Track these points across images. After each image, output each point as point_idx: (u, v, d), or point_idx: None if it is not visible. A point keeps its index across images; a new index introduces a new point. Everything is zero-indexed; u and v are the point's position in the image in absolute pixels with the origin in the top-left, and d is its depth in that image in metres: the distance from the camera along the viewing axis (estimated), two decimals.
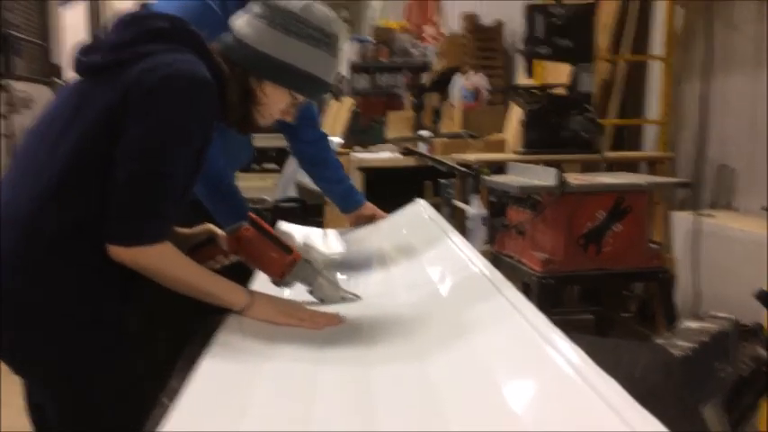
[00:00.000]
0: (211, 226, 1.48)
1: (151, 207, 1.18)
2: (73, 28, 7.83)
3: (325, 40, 1.36)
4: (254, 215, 1.44)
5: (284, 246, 1.42)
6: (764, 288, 1.96)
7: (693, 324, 1.31)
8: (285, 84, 1.35)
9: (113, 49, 1.23)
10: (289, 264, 1.40)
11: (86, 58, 1.26)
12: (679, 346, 1.18)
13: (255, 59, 1.32)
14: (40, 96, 6.18)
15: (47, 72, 7.04)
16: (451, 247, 1.61)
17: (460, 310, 1.23)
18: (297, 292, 1.45)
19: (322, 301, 1.44)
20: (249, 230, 1.40)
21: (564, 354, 0.87)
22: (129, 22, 1.27)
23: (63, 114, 1.24)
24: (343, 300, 1.45)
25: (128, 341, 1.26)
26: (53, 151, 1.21)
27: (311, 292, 1.45)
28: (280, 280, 1.42)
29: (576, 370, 0.82)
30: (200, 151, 1.26)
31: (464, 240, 1.64)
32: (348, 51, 7.70)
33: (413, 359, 1.05)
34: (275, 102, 1.37)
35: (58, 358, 1.21)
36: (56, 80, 6.61)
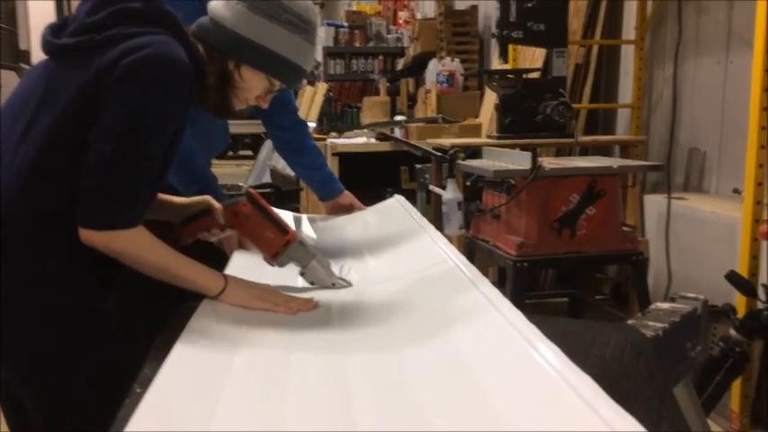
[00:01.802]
0: (209, 198, 1.46)
1: (124, 191, 1.16)
2: (41, 13, 7.66)
3: (304, 27, 1.34)
4: (253, 191, 1.43)
5: (281, 225, 1.40)
6: (735, 270, 2.00)
7: (664, 305, 1.33)
8: (264, 69, 1.34)
9: (86, 31, 1.20)
10: (284, 244, 1.39)
11: (57, 40, 1.23)
12: (650, 326, 1.19)
13: (234, 43, 1.30)
14: (9, 82, 6.07)
15: (14, 58, 6.90)
16: (428, 241, 1.61)
17: (435, 303, 1.23)
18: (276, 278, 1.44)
19: (312, 284, 1.43)
20: (247, 206, 1.38)
21: (539, 350, 0.88)
22: (100, 1, 1.23)
23: (34, 97, 1.21)
24: (334, 286, 1.44)
25: (105, 328, 1.24)
26: (25, 135, 1.18)
27: (303, 275, 1.44)
28: (273, 259, 1.41)
29: (550, 365, 0.83)
30: (174, 134, 1.24)
31: (441, 235, 1.63)
32: (322, 36, 7.65)
33: (387, 348, 1.05)
34: (252, 87, 1.36)
35: (35, 346, 1.19)
36: (23, 66, 6.48)
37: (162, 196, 1.39)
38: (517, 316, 1.01)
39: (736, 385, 2.07)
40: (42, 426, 1.27)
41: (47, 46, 1.25)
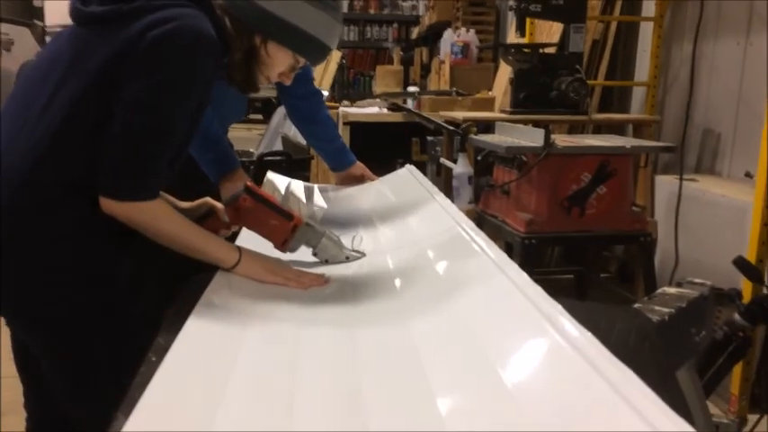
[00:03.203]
0: (210, 199, 1.48)
1: (146, 163, 1.18)
2: None
3: (331, 4, 1.34)
4: (251, 184, 1.44)
5: (284, 212, 1.41)
6: (744, 255, 2.00)
7: (671, 290, 1.34)
8: (291, 45, 1.34)
9: (115, 0, 1.21)
10: (291, 229, 1.40)
11: (85, 7, 1.23)
12: (657, 311, 1.21)
13: (263, 19, 1.30)
14: (22, 39, 6.04)
15: (28, 14, 6.87)
16: (438, 209, 1.62)
17: (446, 273, 1.25)
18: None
19: (327, 261, 1.45)
20: (247, 200, 1.39)
21: (548, 315, 0.89)
22: None
23: (60, 64, 1.22)
24: (348, 259, 1.45)
25: (123, 296, 1.27)
26: (49, 103, 1.19)
27: (315, 254, 1.45)
28: (283, 247, 1.42)
29: (559, 331, 0.84)
30: (198, 109, 1.25)
31: (450, 203, 1.64)
32: None
33: (397, 320, 1.07)
34: (278, 63, 1.36)
35: (55, 313, 1.21)
36: (37, 22, 6.45)
37: (167, 199, 1.40)
38: (525, 280, 1.02)
39: (737, 369, 2.10)
40: (56, 386, 1.31)
41: (75, 13, 1.25)
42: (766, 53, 2.80)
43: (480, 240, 1.27)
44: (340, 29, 1.41)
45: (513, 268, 1.08)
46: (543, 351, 0.84)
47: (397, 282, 1.28)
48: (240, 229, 1.53)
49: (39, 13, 6.84)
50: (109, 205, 1.18)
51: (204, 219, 1.43)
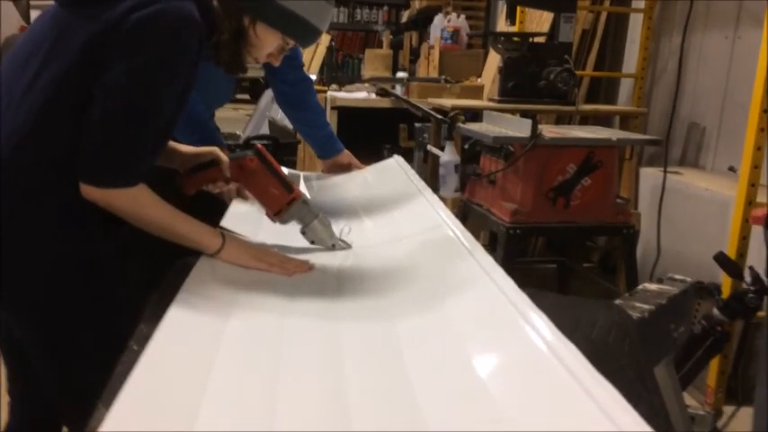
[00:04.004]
0: (217, 150, 1.47)
1: (127, 149, 1.16)
2: None
3: None
4: (261, 147, 1.43)
5: (286, 183, 1.41)
6: (725, 249, 2.02)
7: (652, 286, 1.36)
8: (280, 27, 1.32)
9: None
10: (288, 201, 1.40)
11: None
12: (637, 307, 1.22)
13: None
14: (6, 13, 5.94)
15: None
16: (425, 204, 1.62)
17: (430, 270, 1.25)
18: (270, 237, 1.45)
19: (313, 242, 1.45)
20: (254, 161, 1.38)
21: (529, 319, 0.90)
22: None
23: (43, 45, 1.20)
24: (334, 247, 1.46)
25: (108, 281, 1.26)
26: (32, 85, 1.17)
27: (304, 233, 1.45)
28: (276, 216, 1.42)
29: (541, 338, 0.85)
30: (182, 93, 1.24)
31: (437, 199, 1.65)
32: None
33: (380, 316, 1.07)
34: (266, 44, 1.34)
35: (40, 298, 1.21)
36: None
37: (170, 144, 1.39)
38: (510, 285, 1.04)
39: (714, 362, 2.13)
40: (41, 372, 1.30)
41: None
42: (755, 48, 2.82)
43: (466, 242, 1.28)
44: (331, 11, 1.40)
45: (498, 272, 1.09)
46: (523, 356, 0.85)
47: (382, 278, 1.28)
48: (223, 213, 1.53)
49: None
50: (89, 191, 1.17)
51: (206, 167, 1.43)
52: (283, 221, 1.43)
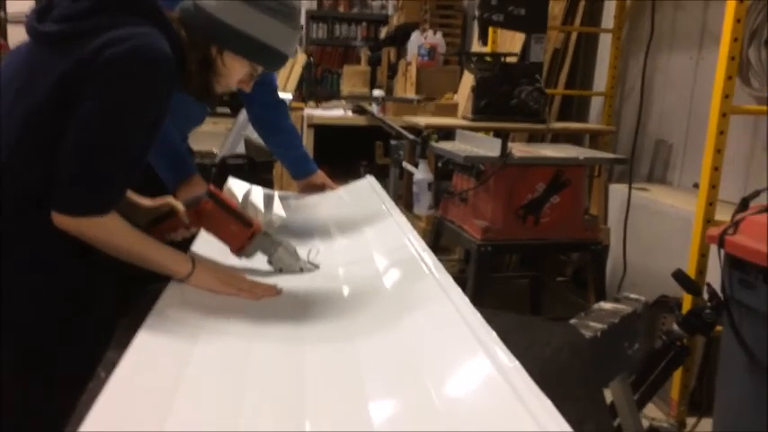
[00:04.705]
0: (172, 199, 1.51)
1: (99, 179, 1.20)
2: None
3: (286, 12, 1.36)
4: (213, 188, 1.47)
5: (244, 218, 1.45)
6: (685, 267, 2.09)
7: (607, 305, 1.41)
8: (246, 55, 1.36)
9: (69, 18, 1.22)
10: (249, 236, 1.44)
11: (40, 25, 1.24)
12: (591, 327, 1.27)
13: (217, 29, 1.32)
14: None
15: None
16: (393, 226, 1.67)
17: (394, 291, 1.30)
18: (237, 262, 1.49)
19: (281, 271, 1.49)
20: (209, 204, 1.43)
21: (482, 340, 0.95)
22: None
23: (16, 80, 1.24)
24: (302, 270, 1.50)
25: (80, 306, 1.29)
26: (9, 115, 1.21)
27: (270, 263, 1.49)
28: (240, 252, 1.46)
29: (494, 362, 0.89)
30: (154, 124, 1.27)
31: (406, 220, 1.70)
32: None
33: (344, 338, 1.12)
34: (234, 72, 1.39)
35: (11, 324, 1.23)
36: None
37: (127, 198, 1.42)
38: (466, 305, 1.09)
39: (677, 375, 2.19)
40: (8, 395, 1.32)
41: (31, 31, 1.26)
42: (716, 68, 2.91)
43: (429, 261, 1.33)
44: (297, 36, 1.43)
45: (456, 292, 1.14)
46: (475, 376, 0.90)
47: (348, 298, 1.33)
48: (198, 231, 1.57)
49: (0, 3, 6.71)
50: (61, 220, 1.20)
51: (165, 218, 1.46)
52: (248, 255, 1.46)
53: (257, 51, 1.36)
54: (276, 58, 1.41)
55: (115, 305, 1.36)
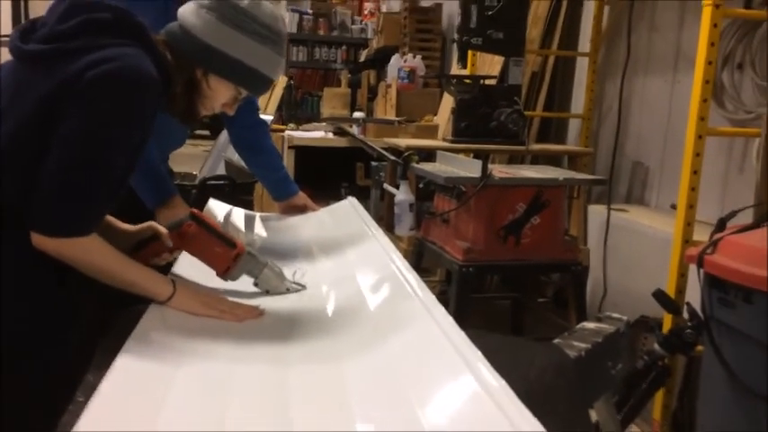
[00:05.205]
0: (155, 223, 1.49)
1: (79, 200, 1.19)
2: None
3: (272, 38, 1.37)
4: (196, 211, 1.46)
5: (228, 240, 1.44)
6: (664, 286, 2.11)
7: (590, 325, 1.42)
8: (232, 79, 1.37)
9: (55, 39, 1.21)
10: (233, 258, 1.43)
11: (24, 45, 1.24)
12: (575, 346, 1.28)
13: (203, 52, 1.33)
14: None
15: None
16: (376, 246, 1.67)
17: (378, 312, 1.29)
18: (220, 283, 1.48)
19: (267, 292, 1.47)
20: (192, 226, 1.42)
21: (467, 359, 0.95)
22: (70, 9, 1.24)
23: (2, 100, 1.22)
24: (288, 291, 1.49)
25: (59, 327, 1.26)
26: None
27: (256, 284, 1.48)
28: (225, 274, 1.44)
29: (479, 380, 0.89)
30: (137, 146, 1.26)
31: (388, 240, 1.70)
32: (286, 22, 7.60)
33: (328, 359, 1.11)
34: (219, 95, 1.39)
35: None
36: None
37: (110, 223, 1.41)
38: (450, 324, 1.09)
39: (659, 396, 2.20)
40: None
41: (15, 51, 1.25)
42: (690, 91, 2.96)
43: (413, 281, 1.33)
44: (282, 61, 1.44)
45: (440, 311, 1.14)
46: (460, 395, 0.90)
47: (332, 319, 1.32)
48: (180, 253, 1.55)
49: None
50: (40, 240, 1.18)
51: (148, 242, 1.45)
52: (233, 278, 1.45)
53: (243, 75, 1.37)
54: (262, 83, 1.41)
55: (94, 327, 1.34)
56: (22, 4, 7.46)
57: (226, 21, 1.33)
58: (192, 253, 1.45)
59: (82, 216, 1.20)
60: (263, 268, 1.46)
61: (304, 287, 1.51)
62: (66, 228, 1.19)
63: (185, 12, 1.36)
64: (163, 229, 1.46)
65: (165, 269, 1.43)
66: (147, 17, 1.32)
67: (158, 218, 1.75)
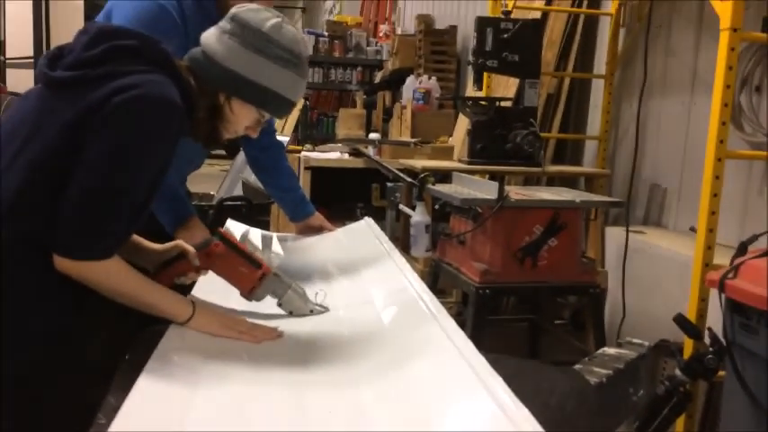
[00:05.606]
0: (182, 242, 1.50)
1: (102, 223, 1.19)
2: (17, 3, 7.57)
3: (294, 61, 1.38)
4: (223, 231, 1.47)
5: (254, 260, 1.45)
6: (683, 310, 2.08)
7: (611, 350, 1.40)
8: (254, 102, 1.38)
9: (81, 65, 1.23)
10: (258, 278, 1.44)
11: (52, 72, 1.25)
12: (596, 372, 1.26)
13: (226, 78, 1.34)
14: None
15: None
16: (393, 268, 1.66)
17: (396, 335, 1.29)
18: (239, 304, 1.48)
19: (291, 313, 1.48)
20: (219, 246, 1.43)
21: (489, 386, 0.94)
22: (97, 36, 1.26)
23: (26, 124, 1.24)
24: (312, 312, 1.49)
25: (77, 352, 1.27)
26: (13, 161, 1.21)
27: (280, 305, 1.48)
28: (250, 294, 1.45)
29: (501, 407, 0.88)
30: (160, 171, 1.27)
31: (405, 262, 1.69)
32: None
33: (346, 384, 1.10)
34: (242, 119, 1.40)
35: (10, 368, 1.20)
36: None
37: (137, 243, 1.42)
38: (470, 350, 1.08)
39: (680, 422, 2.16)
40: None
41: (42, 77, 1.27)
42: (709, 114, 2.95)
43: (431, 305, 1.32)
44: (303, 83, 1.45)
45: (460, 336, 1.13)
46: (481, 422, 0.89)
47: (350, 342, 1.31)
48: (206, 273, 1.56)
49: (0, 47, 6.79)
50: (63, 264, 1.19)
51: (175, 261, 1.45)
52: (258, 298, 1.46)
53: (266, 99, 1.38)
54: (284, 106, 1.42)
55: (113, 348, 1.34)
56: (44, 27, 7.62)
57: (248, 46, 1.34)
58: (219, 273, 1.46)
59: (105, 239, 1.20)
60: (287, 289, 1.47)
61: (327, 309, 1.51)
62: (89, 251, 1.19)
63: (208, 38, 1.38)
64: (190, 249, 1.47)
65: (188, 288, 1.43)
66: (170, 44, 1.34)
67: (177, 239, 1.76)
